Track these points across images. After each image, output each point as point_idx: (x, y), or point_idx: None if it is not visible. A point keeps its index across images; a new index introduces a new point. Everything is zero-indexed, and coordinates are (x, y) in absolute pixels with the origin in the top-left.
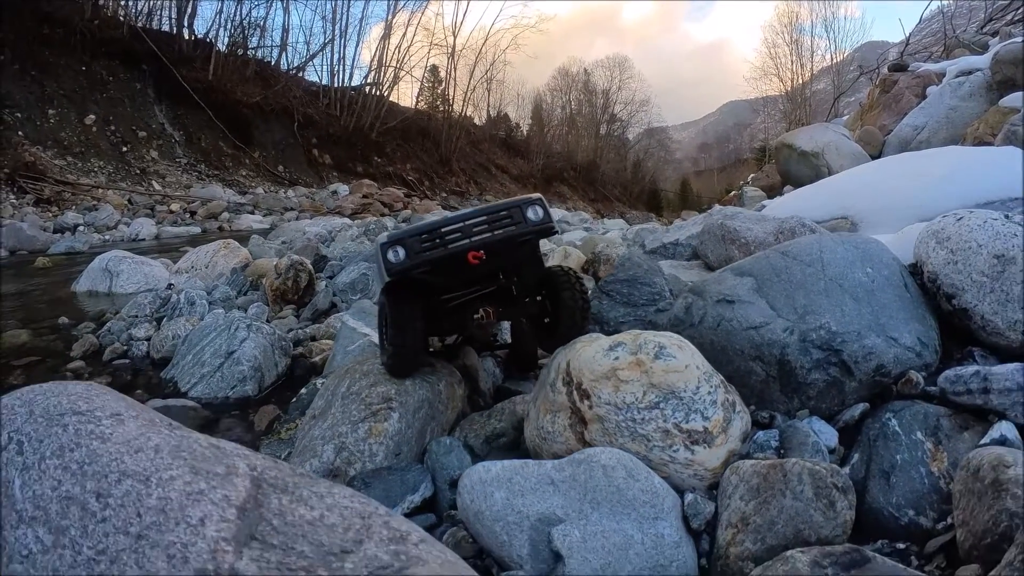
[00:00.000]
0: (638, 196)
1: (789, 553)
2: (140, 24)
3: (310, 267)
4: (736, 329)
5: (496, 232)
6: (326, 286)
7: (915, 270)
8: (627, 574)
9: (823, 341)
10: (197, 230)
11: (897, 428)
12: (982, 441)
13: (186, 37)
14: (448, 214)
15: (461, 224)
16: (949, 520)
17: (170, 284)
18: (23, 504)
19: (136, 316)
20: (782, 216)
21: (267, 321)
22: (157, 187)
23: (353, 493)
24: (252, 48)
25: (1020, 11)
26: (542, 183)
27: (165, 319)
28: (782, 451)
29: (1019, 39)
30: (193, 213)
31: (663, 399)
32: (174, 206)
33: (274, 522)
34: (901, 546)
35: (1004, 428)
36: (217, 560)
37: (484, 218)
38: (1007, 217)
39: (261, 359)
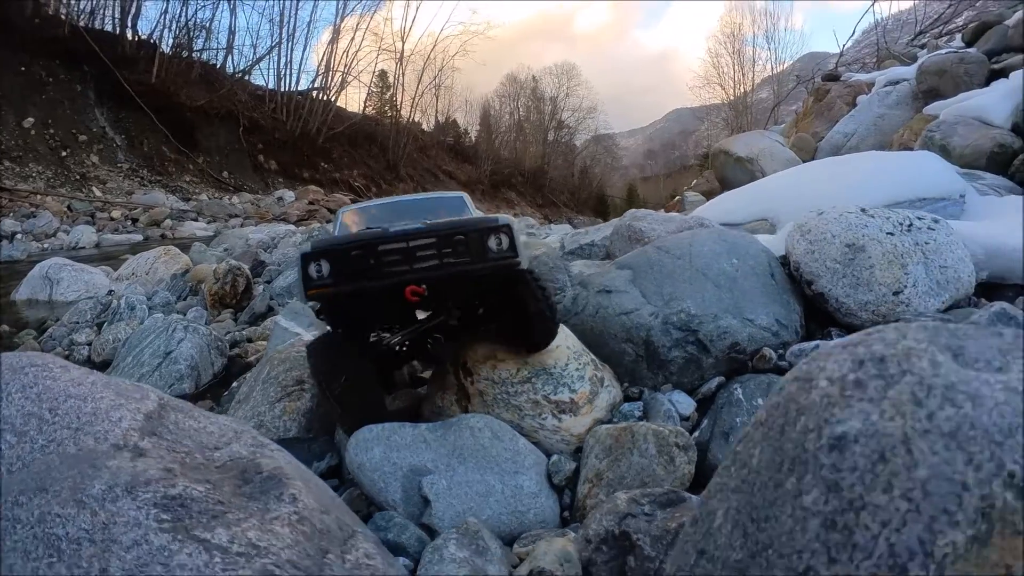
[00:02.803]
0: (585, 202)
1: (617, 494)
2: (82, 23)
3: (248, 272)
4: (611, 315)
5: (446, 262)
6: (263, 290)
7: (785, 261)
8: (486, 517)
9: (682, 323)
10: (139, 237)
11: (741, 396)
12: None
13: (129, 38)
14: (396, 199)
15: (404, 245)
16: None
17: (111, 291)
18: None
19: (77, 322)
20: (686, 217)
21: (206, 324)
22: (98, 193)
23: (235, 419)
24: (197, 50)
25: (947, 25)
26: (490, 189)
27: (106, 324)
28: (643, 419)
29: (944, 51)
30: (135, 220)
31: (535, 375)
32: (115, 213)
33: (169, 426)
34: None
35: None
36: (126, 440)
37: (433, 240)
38: (863, 211)
39: (198, 358)
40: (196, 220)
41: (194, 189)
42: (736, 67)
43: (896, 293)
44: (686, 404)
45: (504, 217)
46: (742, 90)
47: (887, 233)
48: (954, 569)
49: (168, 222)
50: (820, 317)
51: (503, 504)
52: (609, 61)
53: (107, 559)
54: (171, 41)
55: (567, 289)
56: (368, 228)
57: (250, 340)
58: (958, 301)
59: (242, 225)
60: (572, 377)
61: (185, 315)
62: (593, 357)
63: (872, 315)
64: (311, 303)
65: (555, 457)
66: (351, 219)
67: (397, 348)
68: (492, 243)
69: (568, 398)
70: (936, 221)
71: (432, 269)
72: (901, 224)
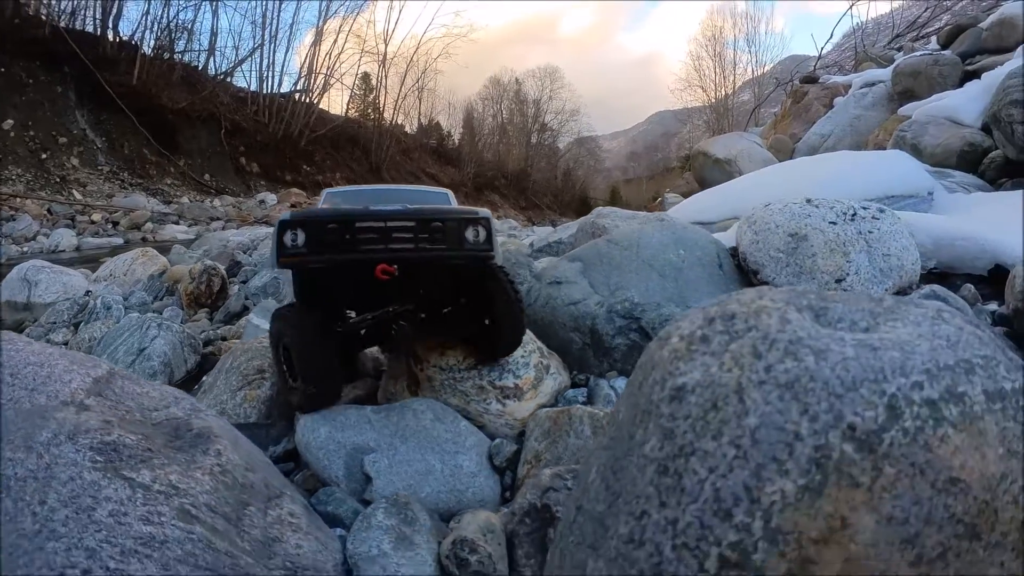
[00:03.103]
0: (568, 204)
1: (543, 470)
2: (63, 24)
3: (223, 272)
4: (560, 305)
5: (421, 247)
6: (239, 290)
7: (734, 251)
8: (425, 495)
9: (626, 311)
10: (119, 241)
11: None
12: None
13: (110, 39)
14: (383, 187)
15: (382, 224)
16: None
17: (88, 291)
18: None
19: (55, 322)
20: (649, 215)
21: (181, 323)
22: (78, 196)
23: (179, 390)
24: (179, 52)
25: (924, 28)
26: (473, 191)
27: (83, 324)
28: (587, 404)
29: (919, 53)
30: (115, 223)
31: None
32: (95, 216)
33: (115, 389)
34: None
35: None
36: (74, 397)
37: (411, 224)
38: (808, 202)
39: (171, 355)
40: (177, 223)
41: (175, 192)
42: (717, 70)
43: (838, 281)
44: None
45: (484, 210)
46: (723, 93)
47: (830, 223)
48: (783, 517)
49: (149, 225)
50: None
51: (442, 483)
52: (593, 64)
53: (46, 492)
54: (152, 42)
55: (525, 283)
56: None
57: (224, 339)
58: (902, 289)
59: (224, 228)
60: (517, 364)
61: (161, 314)
62: (540, 345)
63: None
64: (282, 269)
65: (497, 440)
66: (335, 199)
67: (360, 331)
68: (469, 234)
69: (512, 384)
70: (881, 211)
71: (406, 251)
72: (845, 214)
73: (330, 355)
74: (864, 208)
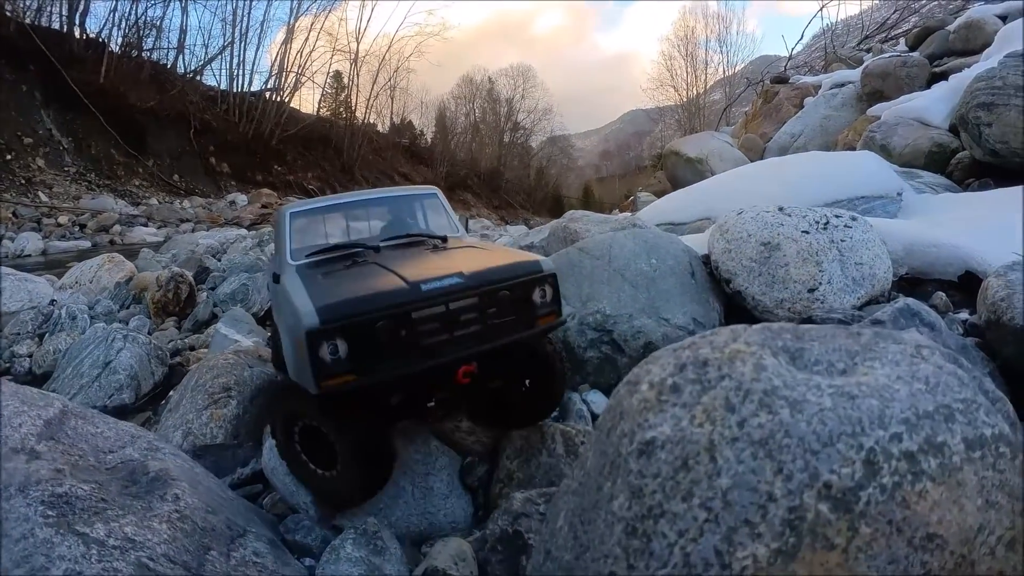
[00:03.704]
0: (541, 202)
1: (515, 494)
2: (28, 21)
3: (191, 279)
4: None
5: (491, 325)
6: (207, 297)
7: (707, 259)
8: (396, 519)
9: (597, 323)
10: (87, 244)
11: None
12: None
13: (77, 36)
14: (360, 195)
15: (443, 309)
16: None
17: (53, 300)
18: None
19: (19, 333)
20: (619, 218)
21: (149, 333)
22: (44, 198)
23: (135, 425)
24: (147, 49)
25: (893, 29)
26: (446, 191)
27: (47, 335)
28: (560, 421)
29: (888, 55)
30: (83, 226)
31: None
32: (62, 219)
33: (68, 431)
34: None
35: None
36: (24, 444)
37: (475, 300)
38: (780, 210)
39: (137, 368)
40: (146, 225)
41: (144, 193)
42: (689, 69)
43: (811, 290)
44: (601, 403)
45: (545, 261)
46: (695, 92)
47: (802, 231)
48: None
49: (117, 227)
50: (741, 315)
51: (413, 506)
52: (566, 63)
53: None
54: (120, 40)
55: None
56: (348, 244)
57: (192, 348)
58: (874, 297)
59: (193, 230)
60: None
61: (128, 324)
62: None
63: (788, 312)
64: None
65: (468, 459)
66: (306, 226)
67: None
68: (537, 296)
69: None
70: (853, 219)
71: (478, 338)
72: (817, 222)
73: (388, 435)
74: (837, 216)
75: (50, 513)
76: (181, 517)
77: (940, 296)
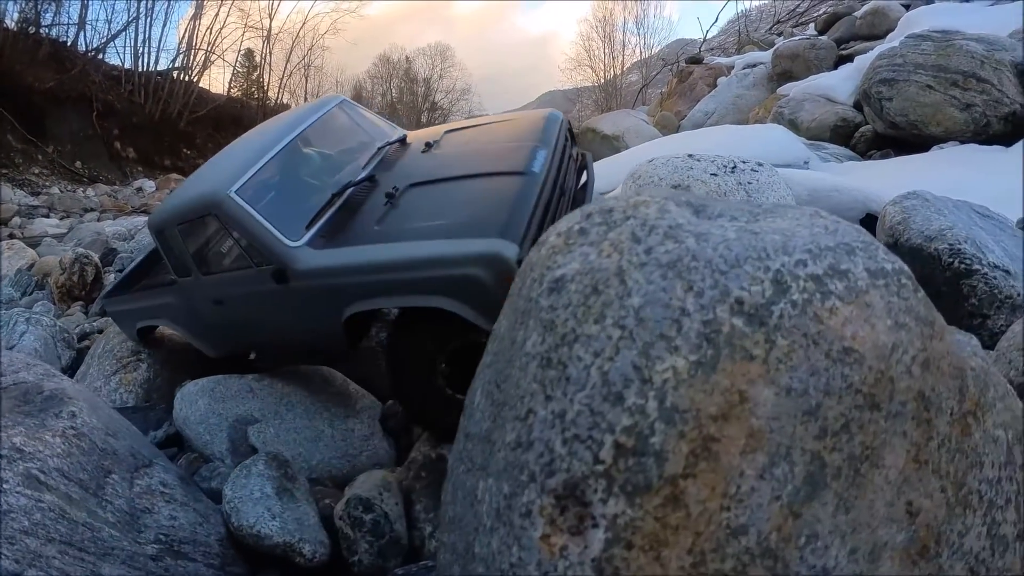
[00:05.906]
0: None
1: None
2: None
3: (97, 260)
4: None
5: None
6: (114, 279)
7: None
8: (317, 462)
9: None
10: None
11: None
12: None
13: None
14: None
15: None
16: None
17: None
18: None
19: None
20: None
21: (54, 318)
22: None
23: (31, 357)
24: (45, 25)
25: (804, 15)
26: None
27: None
28: None
29: (798, 38)
30: None
31: None
32: None
33: None
34: None
35: None
36: None
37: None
38: (690, 156)
39: (42, 351)
40: (48, 216)
41: (44, 182)
42: (607, 51)
43: None
44: None
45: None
46: (612, 73)
47: (711, 174)
48: (678, 395)
49: (17, 220)
50: None
51: (333, 448)
52: (487, 43)
53: None
54: (16, 15)
55: None
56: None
57: (100, 332)
58: None
59: (99, 219)
60: None
61: (30, 309)
62: None
63: None
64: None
65: (390, 401)
66: (262, 195)
67: None
68: None
69: None
70: (760, 164)
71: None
72: (725, 166)
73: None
74: (744, 162)
75: None
76: (78, 435)
77: None
